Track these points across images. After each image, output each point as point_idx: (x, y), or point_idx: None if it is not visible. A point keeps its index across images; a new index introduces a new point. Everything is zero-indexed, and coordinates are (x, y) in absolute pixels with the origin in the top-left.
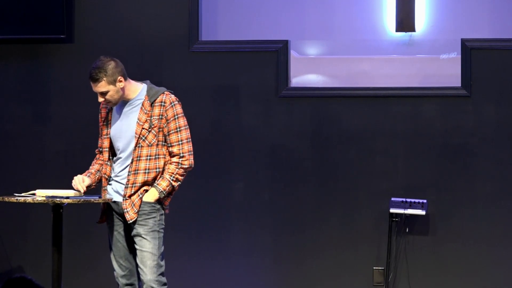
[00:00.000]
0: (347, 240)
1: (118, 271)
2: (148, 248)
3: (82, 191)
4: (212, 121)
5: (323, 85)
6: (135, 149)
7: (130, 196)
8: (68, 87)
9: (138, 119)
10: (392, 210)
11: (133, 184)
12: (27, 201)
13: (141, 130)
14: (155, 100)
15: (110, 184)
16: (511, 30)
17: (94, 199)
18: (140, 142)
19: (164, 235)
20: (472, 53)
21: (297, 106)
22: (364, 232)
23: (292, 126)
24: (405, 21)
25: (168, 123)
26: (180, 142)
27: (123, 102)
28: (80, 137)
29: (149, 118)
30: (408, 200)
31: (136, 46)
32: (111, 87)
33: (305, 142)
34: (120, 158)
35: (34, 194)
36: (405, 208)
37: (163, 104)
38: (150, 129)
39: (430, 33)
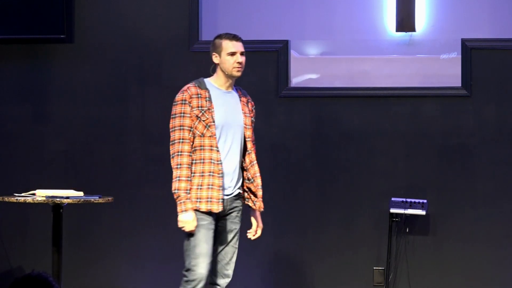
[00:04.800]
0: (347, 240)
1: (207, 272)
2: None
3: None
4: None
5: (323, 85)
6: (247, 143)
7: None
8: (68, 87)
9: (244, 111)
10: (392, 210)
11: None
12: (27, 201)
13: (250, 122)
14: (245, 97)
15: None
16: (511, 30)
17: (94, 199)
18: (246, 135)
19: (164, 235)
20: (472, 53)
21: (297, 106)
22: (364, 232)
23: (292, 126)
24: (405, 21)
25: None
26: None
27: (219, 90)
28: (80, 137)
29: (247, 114)
30: (408, 200)
31: (136, 46)
32: None
33: (305, 142)
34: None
35: (34, 194)
36: (405, 208)
37: (250, 101)
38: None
39: (430, 33)
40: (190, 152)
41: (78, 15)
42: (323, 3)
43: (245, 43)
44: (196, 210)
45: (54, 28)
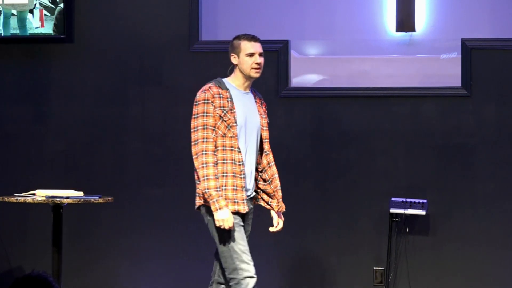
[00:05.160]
0: (347, 240)
1: (253, 268)
2: None
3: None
4: None
5: (323, 85)
6: (261, 142)
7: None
8: (68, 87)
9: (259, 113)
10: (392, 210)
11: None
12: (27, 201)
13: (266, 124)
14: (260, 98)
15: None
16: (511, 30)
17: (94, 199)
18: (263, 136)
19: (166, 234)
20: (472, 53)
21: (297, 106)
22: (364, 232)
23: (292, 126)
24: (405, 21)
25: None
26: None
27: (238, 91)
28: (80, 137)
29: (263, 115)
30: (408, 200)
31: (136, 46)
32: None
33: (305, 142)
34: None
35: (34, 194)
36: (405, 208)
37: (263, 102)
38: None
39: (430, 33)
40: (214, 152)
41: (78, 15)
42: (323, 3)
43: None
44: None
45: (54, 28)
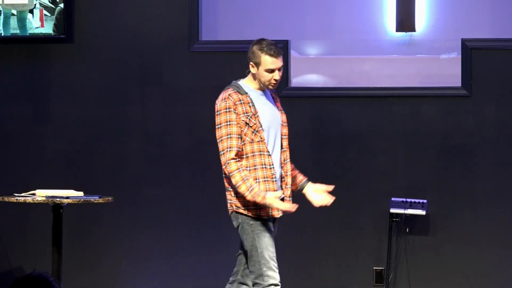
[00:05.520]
0: (347, 240)
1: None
2: None
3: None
4: (212, 121)
5: (323, 85)
6: (282, 140)
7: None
8: (68, 87)
9: (279, 108)
10: (392, 210)
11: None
12: (27, 201)
13: (286, 119)
14: (274, 93)
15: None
16: (511, 30)
17: (94, 199)
18: (282, 132)
19: (166, 234)
20: (473, 53)
21: (297, 106)
22: (364, 232)
23: (292, 126)
24: (405, 21)
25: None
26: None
27: (256, 92)
28: (80, 137)
29: (282, 111)
30: (408, 200)
31: (136, 46)
32: None
33: (305, 142)
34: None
35: (34, 194)
36: (405, 208)
37: (277, 96)
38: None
39: (430, 33)
40: (237, 159)
41: (78, 15)
42: (323, 3)
43: (245, 43)
44: (258, 217)
45: (54, 28)
